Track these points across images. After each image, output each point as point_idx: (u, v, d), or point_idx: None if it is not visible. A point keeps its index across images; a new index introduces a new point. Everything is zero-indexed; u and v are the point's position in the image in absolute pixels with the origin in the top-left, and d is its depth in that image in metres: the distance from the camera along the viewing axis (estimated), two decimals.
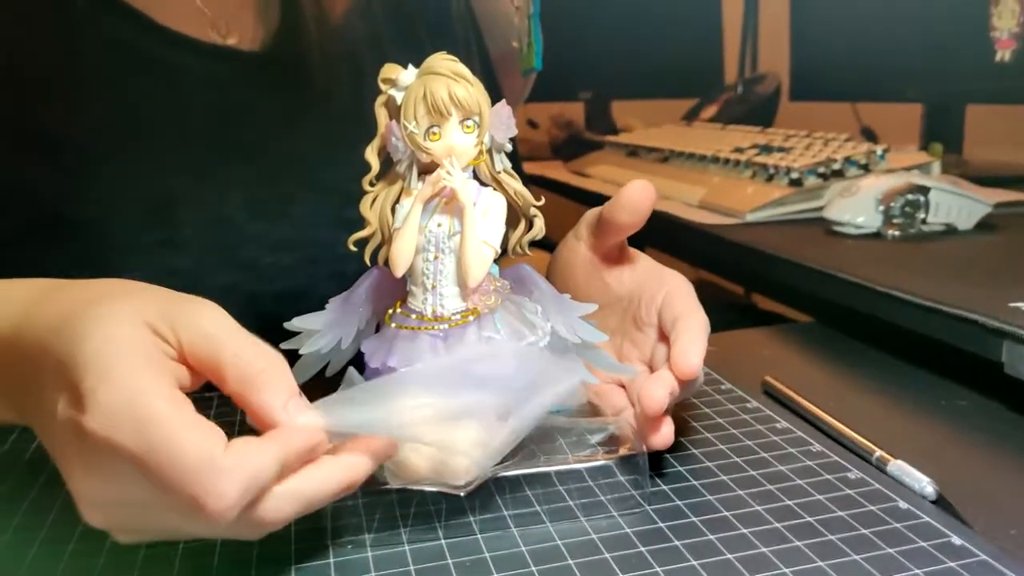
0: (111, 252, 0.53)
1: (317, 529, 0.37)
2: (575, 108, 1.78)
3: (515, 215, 0.41)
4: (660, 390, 0.39)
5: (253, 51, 0.59)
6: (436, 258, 0.39)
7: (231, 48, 0.59)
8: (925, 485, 0.39)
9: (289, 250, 0.58)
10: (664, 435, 0.40)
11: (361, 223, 0.40)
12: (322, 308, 0.43)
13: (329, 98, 0.60)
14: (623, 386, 0.46)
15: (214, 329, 0.32)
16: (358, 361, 0.41)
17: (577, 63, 1.61)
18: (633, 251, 0.49)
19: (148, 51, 0.56)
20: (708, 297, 0.45)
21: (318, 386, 0.40)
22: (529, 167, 1.27)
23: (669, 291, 0.45)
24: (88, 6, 0.54)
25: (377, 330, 0.43)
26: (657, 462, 0.42)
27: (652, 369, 0.44)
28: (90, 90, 0.55)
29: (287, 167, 0.59)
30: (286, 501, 0.31)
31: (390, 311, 0.41)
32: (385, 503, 0.37)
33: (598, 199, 0.51)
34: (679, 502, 0.39)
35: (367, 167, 0.40)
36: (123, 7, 0.55)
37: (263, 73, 0.59)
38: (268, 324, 0.38)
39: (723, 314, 0.63)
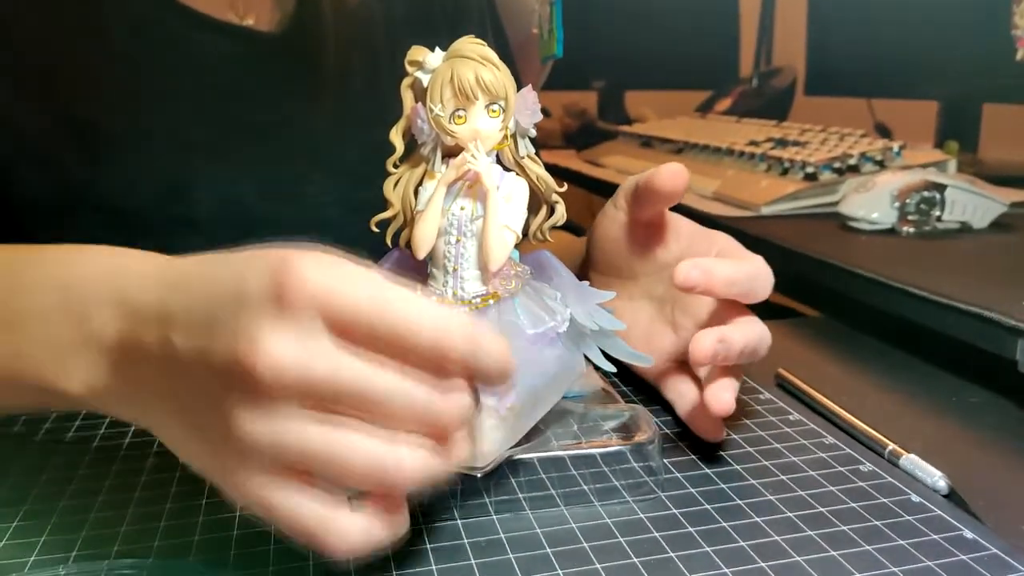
0: (126, 230, 0.53)
1: None
2: (588, 97, 1.77)
3: (536, 201, 0.41)
4: (725, 391, 0.40)
5: (270, 32, 0.59)
6: (458, 241, 0.39)
7: (248, 29, 0.59)
8: (937, 479, 0.40)
9: (301, 231, 0.58)
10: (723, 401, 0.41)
11: (374, 205, 0.40)
12: None
13: (343, 81, 0.61)
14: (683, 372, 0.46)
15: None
16: None
17: (591, 52, 1.61)
18: (675, 216, 0.48)
19: (167, 29, 0.56)
20: None
21: None
22: (542, 155, 1.27)
23: (721, 249, 0.45)
24: None
25: None
26: (671, 450, 0.43)
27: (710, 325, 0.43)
28: (109, 67, 0.55)
29: (300, 148, 0.59)
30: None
31: None
32: None
33: (612, 189, 0.51)
34: (692, 490, 0.39)
35: (380, 150, 0.40)
36: None
37: (279, 54, 0.59)
38: None
39: None
